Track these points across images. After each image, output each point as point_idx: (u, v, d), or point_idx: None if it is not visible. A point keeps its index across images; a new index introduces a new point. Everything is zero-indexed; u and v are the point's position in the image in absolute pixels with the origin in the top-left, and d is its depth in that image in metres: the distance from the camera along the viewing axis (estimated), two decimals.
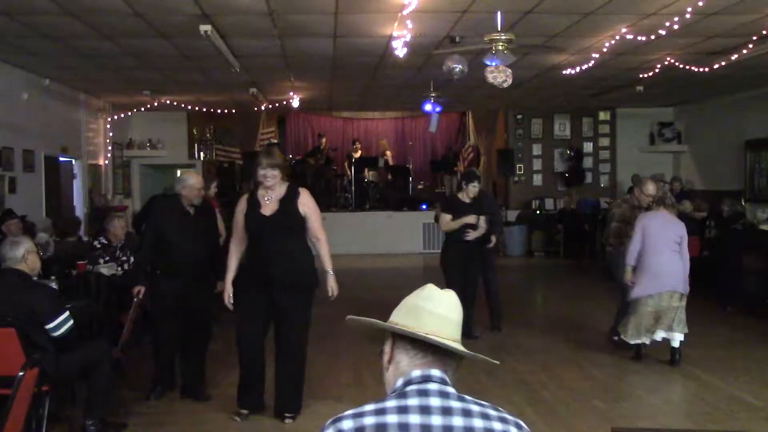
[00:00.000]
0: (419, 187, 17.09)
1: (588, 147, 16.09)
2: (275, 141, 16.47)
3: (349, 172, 16.33)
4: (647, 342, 6.42)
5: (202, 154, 15.75)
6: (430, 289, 1.86)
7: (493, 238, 7.71)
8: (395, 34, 7.91)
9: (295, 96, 12.68)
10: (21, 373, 3.72)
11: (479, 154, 17.05)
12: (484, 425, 1.67)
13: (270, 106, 13.68)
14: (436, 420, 1.64)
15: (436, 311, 1.80)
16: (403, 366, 1.78)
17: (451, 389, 1.75)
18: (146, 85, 11.57)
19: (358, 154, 16.54)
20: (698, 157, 14.94)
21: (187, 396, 5.50)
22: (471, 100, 14.44)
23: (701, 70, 9.89)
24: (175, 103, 13.19)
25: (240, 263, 5.06)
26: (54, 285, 5.45)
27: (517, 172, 16.00)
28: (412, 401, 1.67)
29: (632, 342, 6.43)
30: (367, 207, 15.84)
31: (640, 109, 15.41)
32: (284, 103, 13.27)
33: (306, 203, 4.89)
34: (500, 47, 6.95)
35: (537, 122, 16.04)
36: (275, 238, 4.79)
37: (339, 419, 1.66)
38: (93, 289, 6.29)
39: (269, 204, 4.83)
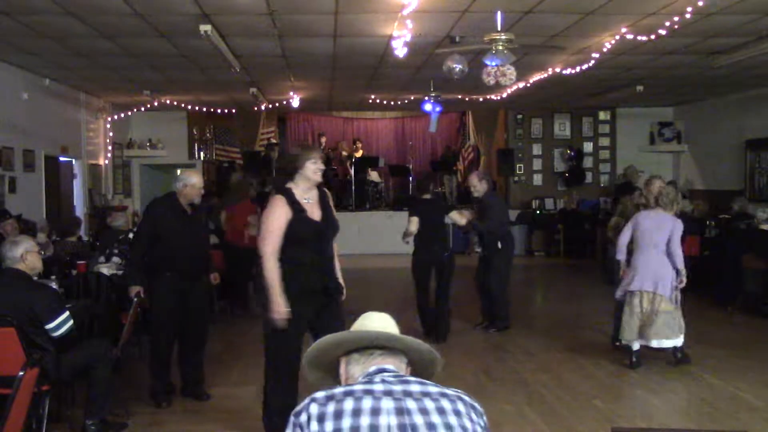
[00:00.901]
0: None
1: (588, 147, 16.10)
2: (275, 141, 16.47)
3: (350, 172, 16.34)
4: (636, 347, 6.23)
5: (202, 154, 15.75)
6: (367, 313, 2.16)
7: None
8: (395, 33, 7.91)
9: (295, 96, 12.68)
10: (21, 373, 3.72)
11: (479, 154, 17.05)
12: (438, 390, 1.90)
13: (270, 106, 13.68)
14: (397, 387, 1.88)
15: (371, 326, 2.09)
16: (358, 373, 1.99)
17: (405, 376, 1.99)
18: (146, 85, 11.57)
19: (358, 154, 16.55)
20: (698, 156, 14.94)
21: (187, 396, 5.50)
22: (471, 100, 14.43)
23: (701, 70, 9.90)
24: (175, 103, 13.20)
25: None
26: (54, 285, 5.45)
27: (517, 172, 16.01)
28: (375, 379, 1.92)
29: (625, 342, 6.29)
30: (367, 207, 15.84)
31: (640, 109, 15.42)
32: (284, 103, 13.27)
33: (332, 204, 4.60)
34: (500, 47, 6.96)
35: (537, 122, 16.04)
36: (326, 245, 4.40)
37: (314, 393, 1.87)
38: (93, 289, 6.29)
39: (311, 207, 4.33)
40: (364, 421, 1.78)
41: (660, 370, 6.26)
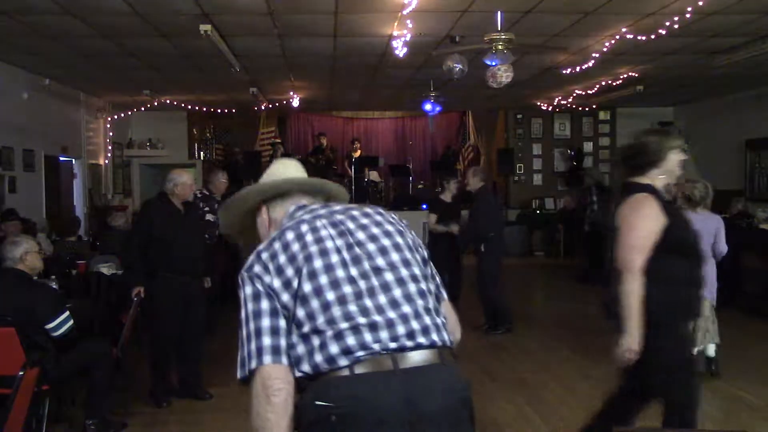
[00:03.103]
0: (419, 186, 17.09)
1: (588, 147, 16.09)
2: (278, 140, 16.48)
3: (349, 172, 16.34)
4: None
5: (202, 154, 15.75)
6: (281, 160, 2.33)
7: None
8: (395, 33, 7.91)
9: (295, 96, 12.68)
10: (21, 373, 3.71)
11: (479, 154, 17.05)
12: (357, 205, 2.13)
13: (270, 106, 13.68)
14: (322, 211, 2.07)
15: (288, 173, 2.23)
16: (281, 214, 2.14)
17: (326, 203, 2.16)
18: (146, 85, 11.57)
19: (357, 154, 16.55)
20: (698, 156, 14.92)
21: (187, 396, 5.50)
22: (471, 100, 14.44)
23: (701, 69, 9.90)
24: (175, 103, 13.19)
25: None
26: (54, 285, 5.45)
27: (517, 171, 16.00)
28: (298, 213, 2.09)
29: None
30: None
31: (640, 109, 15.41)
32: (284, 102, 13.26)
33: None
34: (500, 47, 6.96)
35: (537, 122, 16.04)
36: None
37: (256, 249, 1.99)
38: (93, 289, 6.29)
39: None
40: (308, 237, 1.96)
41: None
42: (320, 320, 1.85)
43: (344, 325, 1.84)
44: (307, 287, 1.88)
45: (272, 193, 2.18)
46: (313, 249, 1.93)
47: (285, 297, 1.88)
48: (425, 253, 2.11)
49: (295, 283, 1.89)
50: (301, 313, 1.87)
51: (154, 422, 5.03)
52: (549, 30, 7.87)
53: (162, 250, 5.30)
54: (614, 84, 11.56)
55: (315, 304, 1.86)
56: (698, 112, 14.84)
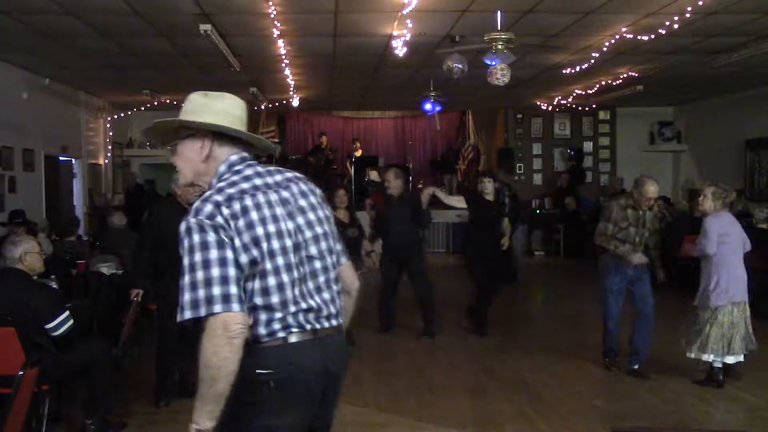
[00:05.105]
0: (419, 186, 17.09)
1: (588, 146, 16.09)
2: (277, 141, 16.47)
3: (350, 171, 16.34)
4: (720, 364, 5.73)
5: None
6: (218, 98, 2.38)
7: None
8: (395, 33, 7.91)
9: (295, 96, 12.67)
10: (21, 373, 3.71)
11: (479, 154, 17.05)
12: (290, 175, 2.31)
13: (270, 106, 13.67)
14: (269, 179, 2.23)
15: (233, 113, 2.35)
16: (221, 156, 2.26)
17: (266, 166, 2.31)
18: (146, 85, 11.57)
19: (358, 153, 16.55)
20: (698, 156, 14.94)
21: (187, 396, 5.49)
22: (471, 100, 14.43)
23: (701, 69, 9.90)
24: (175, 103, 13.17)
25: None
26: (54, 285, 5.44)
27: (517, 171, 16.00)
28: (248, 172, 2.23)
29: (716, 360, 5.72)
30: None
31: (640, 109, 15.41)
32: (284, 102, 13.26)
33: None
34: (500, 46, 6.96)
35: (537, 121, 16.03)
36: None
37: (212, 197, 2.12)
38: (93, 288, 6.29)
39: None
40: (266, 212, 2.13)
41: (659, 369, 6.25)
42: (275, 300, 2.10)
43: (293, 308, 2.12)
44: (268, 265, 2.09)
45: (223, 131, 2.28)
46: (271, 228, 2.12)
47: (243, 259, 2.05)
48: (334, 229, 2.36)
49: (254, 252, 2.07)
50: (256, 285, 2.09)
51: (154, 422, 5.03)
52: (549, 29, 7.87)
53: (170, 250, 5.28)
54: (614, 83, 11.56)
55: (272, 282, 2.09)
56: (698, 112, 14.84)
